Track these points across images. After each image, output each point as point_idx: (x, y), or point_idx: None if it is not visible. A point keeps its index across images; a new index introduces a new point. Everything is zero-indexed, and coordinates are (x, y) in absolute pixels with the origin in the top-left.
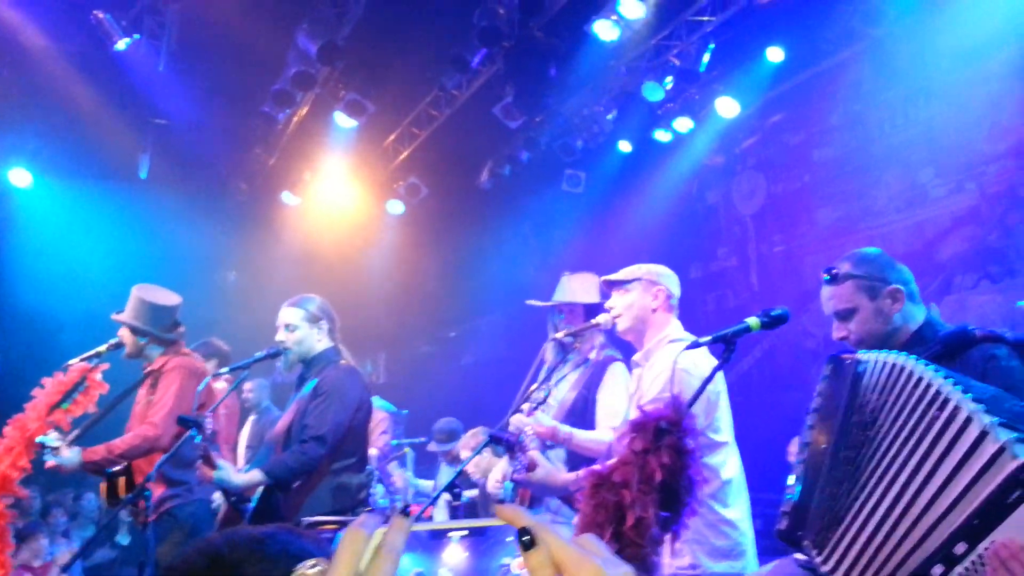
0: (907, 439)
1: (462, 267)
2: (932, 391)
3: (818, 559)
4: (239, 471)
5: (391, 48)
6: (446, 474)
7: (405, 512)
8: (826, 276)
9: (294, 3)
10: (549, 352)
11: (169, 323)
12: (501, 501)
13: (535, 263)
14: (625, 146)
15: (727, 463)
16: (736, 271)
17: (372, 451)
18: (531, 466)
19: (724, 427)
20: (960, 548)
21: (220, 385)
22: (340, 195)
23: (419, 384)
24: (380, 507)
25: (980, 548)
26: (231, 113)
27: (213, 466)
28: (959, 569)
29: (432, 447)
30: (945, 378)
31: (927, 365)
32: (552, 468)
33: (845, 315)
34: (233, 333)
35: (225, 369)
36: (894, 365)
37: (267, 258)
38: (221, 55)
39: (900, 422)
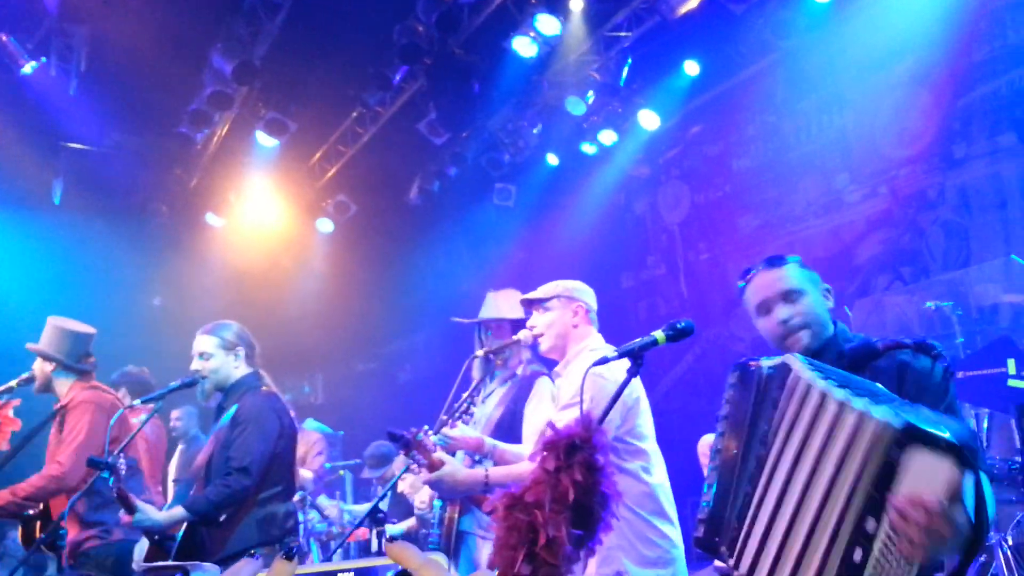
0: (803, 440)
1: (396, 284)
2: (815, 393)
3: (731, 562)
4: (162, 507)
5: (310, 66)
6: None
7: (289, 555)
8: (765, 263)
9: (207, 23)
10: (476, 368)
11: (81, 353)
12: (392, 538)
13: (469, 277)
14: (553, 159)
15: (652, 468)
16: (665, 279)
17: (307, 474)
18: (435, 465)
19: (647, 432)
20: (871, 525)
21: (143, 417)
22: (267, 215)
23: (357, 403)
24: (317, 531)
25: (887, 519)
26: (147, 135)
27: (131, 509)
28: (878, 545)
29: (365, 473)
30: (838, 385)
31: (819, 372)
32: (456, 465)
33: (793, 296)
34: (161, 360)
35: (138, 400)
36: (791, 371)
37: (194, 282)
38: (134, 76)
39: (796, 424)
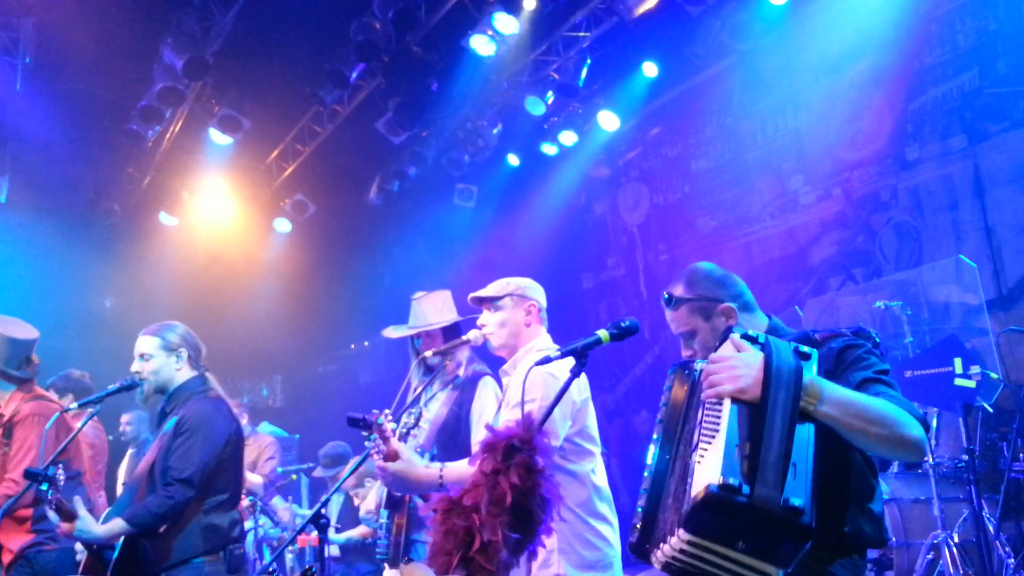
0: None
1: (356, 284)
2: None
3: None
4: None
5: (264, 63)
6: (335, 503)
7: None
8: (664, 298)
9: (157, 16)
10: (413, 375)
11: (20, 359)
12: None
13: (430, 278)
14: (513, 160)
15: (596, 471)
16: (625, 280)
17: (257, 479)
18: (391, 455)
19: (594, 433)
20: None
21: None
22: (222, 215)
23: (316, 406)
24: (269, 537)
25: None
26: (97, 131)
27: (69, 518)
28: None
29: (318, 472)
30: None
31: None
32: (411, 462)
33: (687, 336)
34: (113, 363)
35: (75, 404)
36: None
37: (147, 282)
38: (82, 71)
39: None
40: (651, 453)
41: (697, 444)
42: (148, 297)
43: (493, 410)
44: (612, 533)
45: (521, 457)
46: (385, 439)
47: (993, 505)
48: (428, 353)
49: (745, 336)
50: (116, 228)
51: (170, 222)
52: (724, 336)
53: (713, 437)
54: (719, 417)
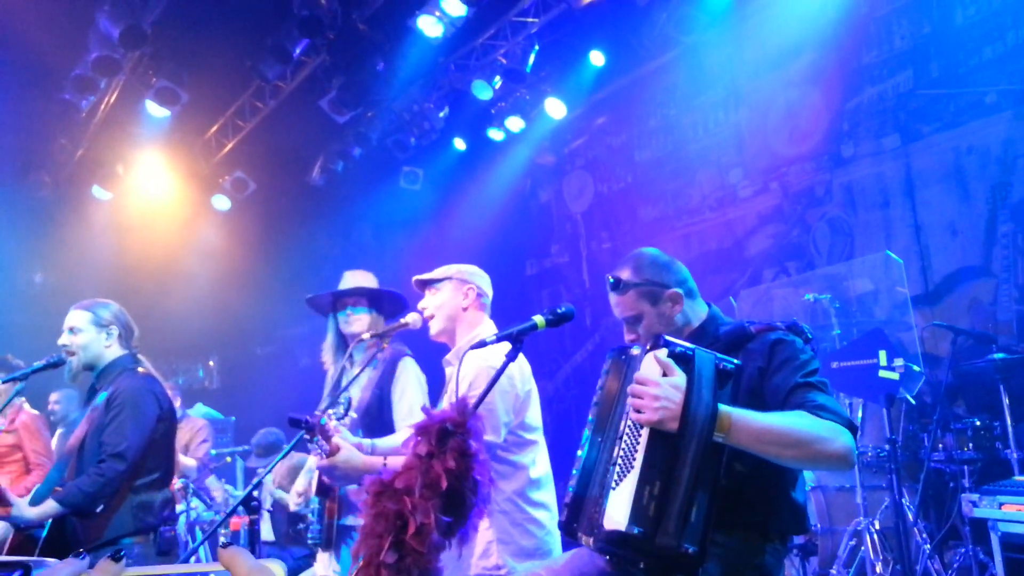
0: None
1: (296, 265)
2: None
3: (587, 541)
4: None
5: (204, 34)
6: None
7: (116, 556)
8: (610, 282)
9: None
10: (328, 355)
11: None
12: (225, 544)
13: (373, 260)
14: (460, 144)
15: (536, 461)
16: (568, 267)
17: (190, 462)
18: (333, 450)
19: (536, 423)
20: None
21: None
22: (158, 189)
23: (254, 388)
24: (202, 520)
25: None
26: (29, 100)
27: (2, 501)
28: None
29: (252, 462)
30: None
31: None
32: (354, 452)
33: (632, 321)
34: (41, 340)
35: None
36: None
37: (79, 257)
38: (15, 37)
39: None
40: (584, 436)
41: (616, 460)
42: (79, 273)
43: (415, 391)
44: (551, 520)
45: (455, 441)
46: (328, 439)
47: (913, 493)
48: (366, 335)
49: (672, 355)
50: (46, 201)
51: (103, 196)
52: (655, 343)
53: (630, 463)
54: (639, 439)
